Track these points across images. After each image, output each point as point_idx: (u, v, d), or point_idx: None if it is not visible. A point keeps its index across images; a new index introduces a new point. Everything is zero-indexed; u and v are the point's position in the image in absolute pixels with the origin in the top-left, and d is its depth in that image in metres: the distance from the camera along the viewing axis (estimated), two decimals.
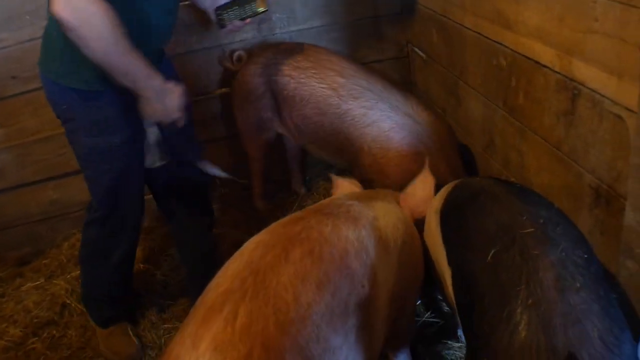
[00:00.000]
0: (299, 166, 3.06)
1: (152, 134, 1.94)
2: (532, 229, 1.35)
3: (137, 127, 1.92)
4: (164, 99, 1.77)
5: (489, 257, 1.38)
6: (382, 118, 2.27)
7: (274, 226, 1.50)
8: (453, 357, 2.08)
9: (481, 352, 1.28)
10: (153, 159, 1.98)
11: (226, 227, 2.89)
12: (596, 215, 1.63)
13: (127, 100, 1.79)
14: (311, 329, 1.25)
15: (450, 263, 1.59)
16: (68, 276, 2.76)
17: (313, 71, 2.45)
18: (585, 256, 1.31)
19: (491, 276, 1.36)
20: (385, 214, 1.69)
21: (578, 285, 1.23)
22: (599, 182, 1.58)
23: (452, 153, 2.27)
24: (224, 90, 2.92)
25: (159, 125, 1.92)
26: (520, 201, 1.48)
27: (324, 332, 1.27)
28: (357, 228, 1.52)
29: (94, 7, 1.52)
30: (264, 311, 1.21)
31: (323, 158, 2.57)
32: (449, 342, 2.13)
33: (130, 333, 2.34)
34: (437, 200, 1.79)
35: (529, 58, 1.84)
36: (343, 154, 2.39)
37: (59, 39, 1.72)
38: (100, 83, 1.78)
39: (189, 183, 2.24)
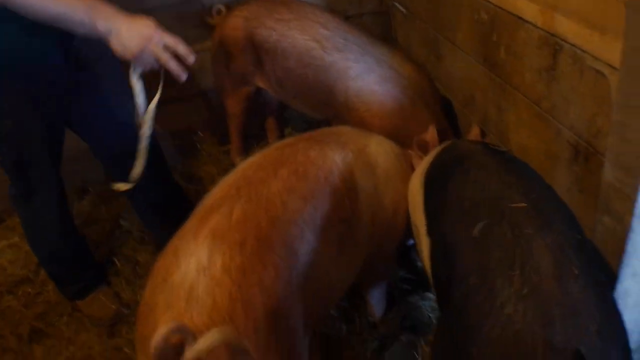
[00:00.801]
0: (277, 121, 3.02)
1: (136, 85, 1.74)
2: (523, 204, 1.28)
3: (31, 110, 1.86)
4: (124, 26, 1.61)
5: (475, 231, 1.32)
6: (366, 71, 2.24)
7: (265, 150, 1.66)
8: (429, 307, 2.11)
9: (468, 339, 1.20)
10: (138, 121, 1.78)
11: (203, 182, 2.87)
12: (574, 172, 1.63)
13: (14, 84, 1.75)
14: (296, 230, 1.44)
15: (429, 232, 1.57)
16: None
17: (296, 23, 2.39)
18: (579, 237, 1.26)
19: (478, 254, 1.29)
20: (378, 143, 1.80)
21: (576, 272, 1.17)
22: (578, 138, 1.58)
23: (436, 107, 2.25)
24: (201, 45, 2.85)
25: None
26: (510, 171, 1.41)
27: (308, 236, 1.46)
28: (344, 151, 1.67)
29: None
30: (256, 211, 1.39)
31: (304, 113, 2.53)
32: (426, 292, 2.15)
33: (105, 297, 2.32)
34: (425, 161, 1.77)
35: (511, 13, 1.81)
36: (326, 108, 2.36)
37: None
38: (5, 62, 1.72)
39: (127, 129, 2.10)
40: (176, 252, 1.33)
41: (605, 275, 1.26)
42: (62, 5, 1.57)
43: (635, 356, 1.65)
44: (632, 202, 1.31)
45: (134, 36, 1.61)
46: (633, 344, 1.61)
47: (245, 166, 1.58)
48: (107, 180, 2.74)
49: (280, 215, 1.42)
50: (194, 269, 1.26)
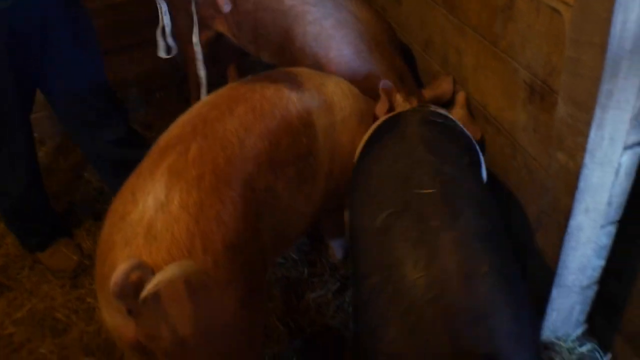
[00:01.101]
0: (236, 69, 2.97)
1: (164, 13, 1.76)
2: (431, 190, 1.20)
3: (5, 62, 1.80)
4: None
5: (378, 221, 1.25)
6: (324, 16, 2.19)
7: (220, 89, 1.65)
8: None
9: (370, 345, 1.13)
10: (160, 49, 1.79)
11: (162, 131, 2.82)
12: (530, 112, 1.66)
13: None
14: (253, 167, 1.44)
15: (347, 206, 1.55)
16: None
17: None
18: (490, 226, 1.19)
19: (380, 252, 1.22)
20: (335, 83, 1.80)
21: (484, 269, 1.10)
22: (534, 77, 1.60)
23: (395, 52, 2.23)
24: None
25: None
26: (430, 146, 1.33)
27: (265, 173, 1.47)
28: (301, 89, 1.67)
29: None
30: (213, 147, 1.39)
31: (263, 60, 2.49)
32: None
33: (66, 249, 2.30)
34: (373, 125, 1.74)
35: None
36: (284, 54, 2.32)
37: None
38: None
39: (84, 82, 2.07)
40: (133, 190, 1.32)
41: (515, 267, 1.18)
42: None
43: (587, 292, 1.73)
44: (585, 137, 1.35)
45: None
46: (585, 280, 1.69)
47: (200, 105, 1.57)
48: (65, 132, 2.70)
49: (237, 153, 1.42)
50: (152, 206, 1.27)
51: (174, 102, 3.02)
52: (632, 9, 1.18)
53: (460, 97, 1.98)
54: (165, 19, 1.71)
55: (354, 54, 2.15)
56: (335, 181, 1.77)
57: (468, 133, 1.68)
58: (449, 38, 2.05)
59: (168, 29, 1.72)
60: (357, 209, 1.40)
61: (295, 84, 1.69)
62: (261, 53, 2.45)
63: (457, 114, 1.87)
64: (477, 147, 1.65)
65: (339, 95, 1.77)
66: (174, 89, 3.05)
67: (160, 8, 1.70)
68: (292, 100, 1.62)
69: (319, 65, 2.13)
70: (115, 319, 1.26)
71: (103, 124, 2.13)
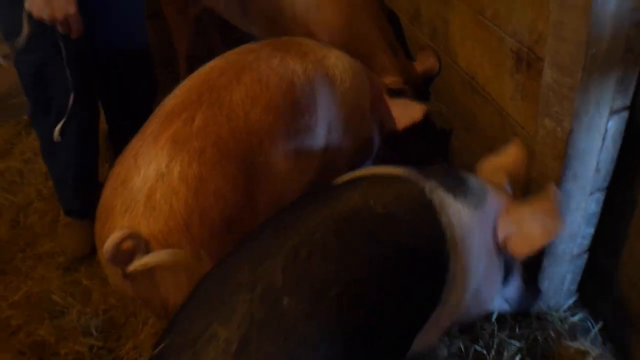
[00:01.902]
0: (223, 43, 2.95)
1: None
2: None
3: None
4: None
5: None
6: None
7: (228, 53, 1.65)
8: None
9: None
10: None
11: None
12: (517, 80, 1.66)
13: None
14: (256, 141, 1.44)
15: None
16: None
17: None
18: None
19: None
20: (337, 56, 1.78)
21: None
22: (520, 45, 1.60)
23: (384, 22, 2.23)
24: None
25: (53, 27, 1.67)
26: (289, 231, 1.10)
27: (267, 147, 1.46)
28: (304, 62, 1.65)
29: None
30: (218, 118, 1.39)
31: (252, 33, 2.48)
32: None
33: (83, 235, 2.21)
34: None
35: None
36: (275, 27, 2.30)
37: None
38: None
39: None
40: (136, 155, 1.34)
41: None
42: None
43: (577, 261, 1.74)
44: (571, 102, 1.35)
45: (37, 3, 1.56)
46: (576, 248, 1.69)
47: (207, 69, 1.56)
48: None
49: (241, 126, 1.42)
50: (153, 175, 1.29)
51: (164, 79, 2.99)
52: None
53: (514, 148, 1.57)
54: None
55: (345, 25, 2.15)
56: (331, 156, 1.76)
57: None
58: (437, 9, 2.04)
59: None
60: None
61: (299, 55, 1.67)
62: (251, 27, 2.44)
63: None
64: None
65: (340, 69, 1.75)
66: (163, 63, 3.02)
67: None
68: (296, 73, 1.61)
69: (310, 35, 2.13)
70: (115, 278, 1.30)
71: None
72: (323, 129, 1.68)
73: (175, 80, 2.83)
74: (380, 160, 2.02)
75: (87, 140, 2.09)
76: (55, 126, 1.90)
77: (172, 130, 1.36)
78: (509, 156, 1.55)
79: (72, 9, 1.59)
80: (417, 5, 2.19)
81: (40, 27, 1.67)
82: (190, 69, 2.79)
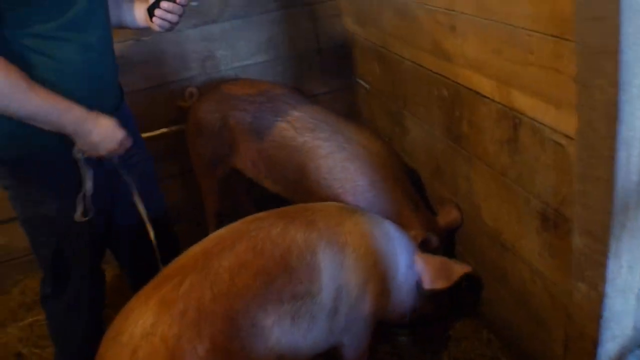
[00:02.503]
0: (250, 201, 3.05)
1: (88, 179, 1.75)
2: None
3: (74, 195, 1.78)
4: (93, 130, 1.64)
5: None
6: (337, 149, 2.30)
7: (235, 223, 1.75)
8: None
9: None
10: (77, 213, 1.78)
11: None
12: (545, 239, 1.68)
13: (59, 167, 1.71)
14: (241, 305, 1.51)
15: None
16: (20, 324, 2.64)
17: (268, 105, 2.46)
18: None
19: None
20: (356, 222, 1.82)
21: None
22: (546, 206, 1.64)
23: (406, 182, 2.31)
24: (173, 128, 2.90)
25: (100, 161, 1.76)
26: None
27: (253, 311, 1.53)
28: (308, 230, 1.72)
29: None
30: (202, 283, 1.50)
31: (279, 193, 2.57)
32: None
33: None
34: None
35: (469, 89, 1.91)
36: (299, 188, 2.40)
37: None
38: (26, 151, 1.69)
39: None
40: (130, 312, 1.45)
41: None
42: (38, 105, 1.54)
43: None
44: (603, 267, 1.36)
45: (90, 143, 1.66)
46: None
47: (210, 238, 1.68)
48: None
49: (224, 290, 1.50)
50: (139, 333, 1.39)
51: (190, 234, 3.05)
52: (634, 146, 1.24)
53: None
54: (89, 185, 1.74)
55: (368, 184, 2.22)
56: (345, 320, 1.75)
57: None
58: (458, 167, 2.12)
59: (89, 194, 1.75)
60: None
61: (304, 223, 1.73)
62: (277, 187, 2.53)
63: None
64: None
65: (355, 234, 1.78)
66: (191, 222, 3.10)
67: (85, 173, 1.73)
68: (295, 241, 1.67)
69: (335, 197, 2.20)
70: None
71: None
72: (330, 293, 1.70)
73: (203, 237, 2.91)
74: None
75: (95, 319, 2.07)
76: (67, 309, 1.95)
77: (162, 292, 1.47)
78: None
79: (120, 134, 1.70)
80: (438, 162, 2.28)
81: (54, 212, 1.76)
82: (219, 226, 2.89)
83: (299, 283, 1.62)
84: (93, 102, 1.68)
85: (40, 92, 1.53)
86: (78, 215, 1.76)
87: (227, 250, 1.59)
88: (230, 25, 2.87)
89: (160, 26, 1.89)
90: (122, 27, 2.01)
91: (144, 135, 2.77)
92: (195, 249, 1.63)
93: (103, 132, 1.67)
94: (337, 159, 2.30)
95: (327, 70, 3.11)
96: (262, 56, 2.96)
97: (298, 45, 3.01)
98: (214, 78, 2.88)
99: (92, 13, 1.69)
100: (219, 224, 2.91)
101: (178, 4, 1.84)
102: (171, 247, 2.24)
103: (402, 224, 2.07)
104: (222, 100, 2.57)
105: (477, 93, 1.86)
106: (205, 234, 2.89)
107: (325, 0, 2.99)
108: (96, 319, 2.08)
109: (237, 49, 2.91)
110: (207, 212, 2.87)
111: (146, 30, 1.99)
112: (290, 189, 2.47)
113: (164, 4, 1.84)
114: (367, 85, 2.95)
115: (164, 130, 2.89)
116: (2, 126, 1.63)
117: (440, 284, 1.93)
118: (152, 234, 1.92)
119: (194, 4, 2.73)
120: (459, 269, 1.96)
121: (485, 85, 1.81)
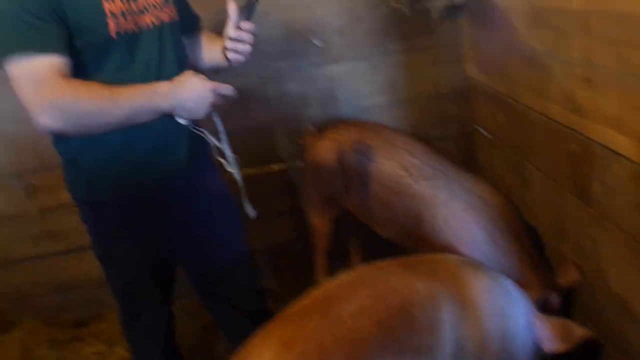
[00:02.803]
0: (360, 243, 3.03)
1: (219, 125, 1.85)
2: None
3: (145, 235, 1.85)
4: (185, 96, 1.65)
5: None
6: (453, 198, 2.24)
7: (360, 268, 1.77)
8: None
9: None
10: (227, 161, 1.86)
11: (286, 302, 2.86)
12: None
13: (131, 209, 1.79)
14: (360, 350, 1.47)
15: None
16: (125, 344, 2.75)
17: (384, 149, 2.45)
18: None
19: None
20: (476, 277, 1.77)
21: None
22: None
23: (524, 238, 2.20)
24: (291, 165, 2.96)
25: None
26: None
27: (373, 357, 1.48)
28: (429, 280, 1.68)
29: (60, 95, 1.50)
30: (324, 326, 1.48)
31: (390, 239, 2.53)
32: None
33: None
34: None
35: (603, 145, 1.80)
36: (411, 235, 2.35)
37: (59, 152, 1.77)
38: (101, 193, 1.78)
39: (228, 259, 2.11)
40: (251, 350, 1.48)
41: None
42: (127, 105, 1.58)
43: None
44: None
45: (189, 109, 1.68)
46: None
47: (337, 281, 1.69)
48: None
49: (346, 335, 1.48)
50: None
51: (295, 270, 3.08)
52: None
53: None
54: (221, 130, 1.83)
55: (487, 238, 2.14)
56: None
57: None
58: (584, 227, 1.99)
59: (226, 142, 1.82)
60: None
61: (425, 273, 1.70)
62: (388, 232, 2.50)
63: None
64: None
65: (477, 290, 1.73)
66: (301, 260, 3.12)
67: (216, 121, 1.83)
68: (417, 292, 1.63)
69: (450, 248, 2.13)
70: None
71: (239, 300, 2.17)
72: (450, 349, 1.64)
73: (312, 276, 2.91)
74: None
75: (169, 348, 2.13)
76: (143, 333, 2.03)
77: (283, 331, 1.48)
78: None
79: (208, 85, 1.68)
80: (561, 219, 2.16)
81: (131, 249, 1.85)
82: (328, 266, 2.89)
83: (419, 334, 1.58)
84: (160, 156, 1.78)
85: (122, 92, 1.57)
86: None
87: (349, 295, 1.59)
88: (353, 66, 2.92)
89: (232, 60, 1.87)
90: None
91: (256, 170, 2.86)
92: (320, 291, 1.65)
93: (194, 95, 1.67)
94: (455, 208, 2.23)
95: (446, 115, 3.07)
96: (382, 98, 2.98)
97: (418, 88, 3.00)
98: (333, 117, 2.92)
99: (162, 61, 1.75)
100: (328, 264, 2.93)
101: (244, 30, 1.81)
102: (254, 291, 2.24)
103: (519, 281, 1.97)
104: (340, 141, 2.60)
105: (612, 150, 1.75)
106: (310, 272, 2.93)
107: (447, 45, 2.98)
108: (171, 347, 2.14)
109: (358, 89, 2.95)
110: (317, 251, 2.88)
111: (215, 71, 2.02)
112: (402, 235, 2.43)
113: (231, 32, 1.82)
114: (487, 134, 2.87)
115: (273, 167, 2.97)
116: (79, 175, 1.76)
117: (560, 346, 1.82)
118: (237, 176, 1.89)
119: (319, 44, 2.80)
120: (581, 332, 1.84)
121: (621, 142, 1.70)
